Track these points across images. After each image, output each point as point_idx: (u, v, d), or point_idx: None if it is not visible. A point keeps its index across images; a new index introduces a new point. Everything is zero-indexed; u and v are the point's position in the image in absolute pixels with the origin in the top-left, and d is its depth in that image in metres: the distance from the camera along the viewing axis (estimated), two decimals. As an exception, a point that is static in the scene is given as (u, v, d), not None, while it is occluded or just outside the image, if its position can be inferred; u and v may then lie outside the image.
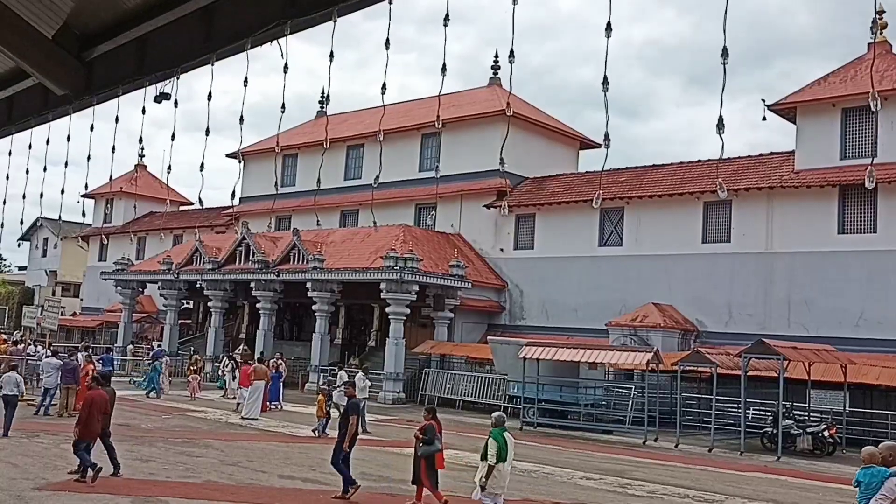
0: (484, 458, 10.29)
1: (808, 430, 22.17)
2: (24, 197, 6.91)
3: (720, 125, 3.71)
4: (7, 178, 7.21)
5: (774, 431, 21.71)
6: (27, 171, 6.60)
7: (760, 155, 31.24)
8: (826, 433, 21.98)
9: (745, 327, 28.37)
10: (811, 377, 23.39)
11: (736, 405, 23.41)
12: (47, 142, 6.39)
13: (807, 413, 23.59)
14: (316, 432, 20.15)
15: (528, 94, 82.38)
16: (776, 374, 21.56)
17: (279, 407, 26.33)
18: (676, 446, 22.23)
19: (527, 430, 24.13)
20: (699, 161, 32.48)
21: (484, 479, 10.21)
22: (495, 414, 11.25)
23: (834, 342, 25.05)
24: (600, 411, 26.33)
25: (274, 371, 26.60)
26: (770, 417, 22.95)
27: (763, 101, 29.53)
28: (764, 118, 29.95)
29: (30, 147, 6.45)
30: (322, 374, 32.80)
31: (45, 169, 6.72)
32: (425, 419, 12.30)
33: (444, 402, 30.50)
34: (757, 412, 24.49)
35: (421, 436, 12.09)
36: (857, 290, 26.78)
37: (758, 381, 23.69)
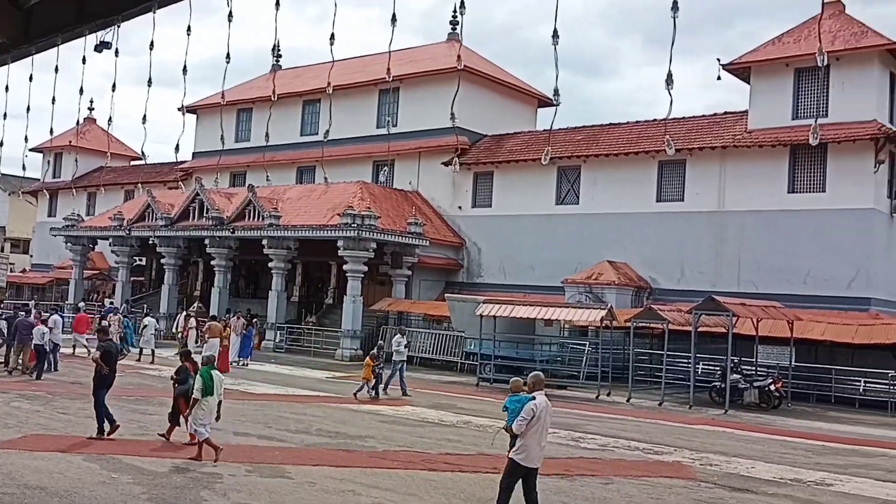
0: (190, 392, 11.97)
1: (755, 384, 22.76)
2: (-40, 150, 6.67)
3: (669, 80, 3.71)
4: (-57, 130, 6.95)
5: (722, 386, 22.25)
6: (-36, 123, 6.36)
7: (714, 114, 31.49)
8: (772, 387, 22.60)
9: (697, 284, 28.88)
10: (759, 333, 23.92)
11: (686, 360, 23.91)
12: (-16, 92, 6.16)
13: (754, 368, 24.20)
14: (358, 395, 19.98)
15: (491, 52, 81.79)
16: (725, 331, 22.04)
17: (247, 364, 26.63)
18: (628, 400, 22.68)
19: (483, 386, 24.40)
20: (655, 120, 32.61)
21: (190, 411, 11.88)
22: (204, 355, 12.91)
23: (782, 299, 25.65)
24: (555, 367, 26.67)
25: (245, 329, 27.39)
26: (719, 372, 23.50)
27: (718, 60, 29.72)
28: (719, 77, 30.10)
29: (-34, 98, 6.22)
30: (279, 332, 32.73)
31: (-18, 121, 6.48)
32: (181, 361, 13.50)
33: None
34: (706, 367, 25.07)
35: (176, 377, 13.24)
36: (805, 248, 27.38)
37: (708, 336, 24.20)
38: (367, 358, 20.42)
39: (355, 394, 20.06)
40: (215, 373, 12.03)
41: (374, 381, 20.15)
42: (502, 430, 9.41)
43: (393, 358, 21.78)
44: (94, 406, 13.10)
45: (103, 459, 11.34)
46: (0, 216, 59.19)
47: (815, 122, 7.29)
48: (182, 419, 12.78)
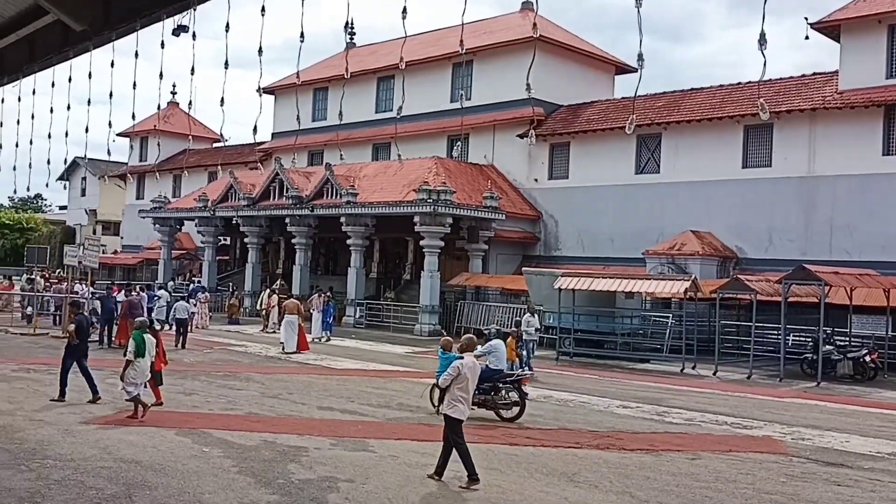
0: (125, 355, 12.86)
1: (849, 355, 21.93)
2: (49, 136, 6.88)
3: (762, 40, 3.46)
4: (32, 117, 7.18)
5: (815, 357, 21.52)
6: (51, 111, 6.55)
7: (803, 76, 30.19)
8: (867, 358, 21.72)
9: (786, 253, 27.92)
10: (853, 302, 23.00)
11: (775, 332, 23.20)
12: (69, 80, 6.31)
13: (848, 338, 23.30)
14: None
15: (566, 20, 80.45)
16: (817, 300, 21.27)
17: (328, 338, 27.28)
18: (715, 374, 22.16)
19: (563, 360, 24.21)
20: (739, 83, 31.50)
21: (123, 372, 12.70)
22: (138, 320, 14.29)
23: (877, 266, 24.54)
24: (637, 340, 26.26)
25: (324, 305, 28.07)
26: (810, 343, 22.72)
27: (805, 19, 28.47)
28: (807, 37, 28.82)
29: (52, 86, 6.38)
30: (358, 308, 33.13)
31: (68, 107, 6.66)
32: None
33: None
34: (797, 338, 24.25)
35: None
36: (902, 213, 26.09)
37: (798, 307, 23.41)
38: (509, 338, 19.31)
39: None
40: (147, 336, 13.01)
41: (517, 361, 19.19)
42: (433, 387, 10.54)
43: (524, 338, 20.82)
44: (59, 373, 14.11)
45: (195, 434, 11.69)
46: (92, 200, 61.56)
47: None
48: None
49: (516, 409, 13.75)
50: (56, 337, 23.33)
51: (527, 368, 19.76)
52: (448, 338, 12.02)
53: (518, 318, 22.93)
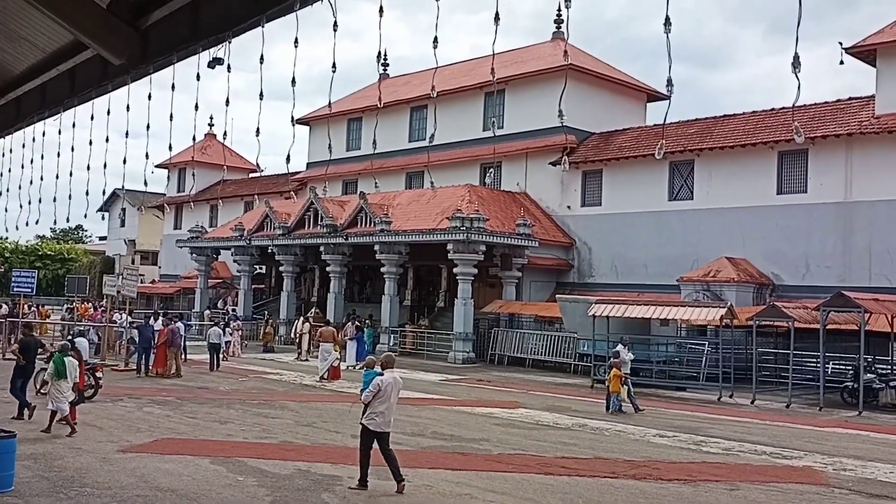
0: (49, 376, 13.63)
1: (892, 383, 21.43)
2: (88, 168, 7.04)
3: (795, 63, 3.45)
4: (72, 150, 7.35)
5: (855, 386, 21.06)
6: (90, 143, 6.71)
7: (838, 100, 29.85)
8: (911, 387, 21.20)
9: (824, 280, 27.45)
10: (894, 330, 22.53)
11: (814, 360, 22.76)
12: (108, 112, 6.47)
13: (890, 366, 22.77)
14: (610, 411, 18.79)
15: (601, 49, 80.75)
16: (857, 328, 20.85)
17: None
18: (753, 402, 21.77)
19: (598, 388, 23.93)
20: (773, 109, 31.25)
21: (48, 394, 13.62)
22: (58, 343, 15.50)
23: (919, 293, 24.04)
24: (673, 368, 25.93)
25: (356, 333, 28.36)
26: (851, 372, 22.24)
27: (840, 44, 28.14)
28: (841, 62, 28.49)
29: (91, 118, 6.55)
30: (392, 335, 33.15)
31: (107, 140, 6.82)
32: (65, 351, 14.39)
33: (514, 361, 30.58)
34: (837, 367, 23.78)
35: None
36: (944, 238, 25.56)
37: (837, 334, 22.96)
38: (614, 369, 19.12)
39: (610, 410, 18.89)
40: (68, 359, 13.57)
41: (621, 393, 18.91)
42: (358, 402, 10.93)
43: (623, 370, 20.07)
44: (10, 391, 14.79)
45: (229, 462, 11.75)
46: (131, 230, 62.63)
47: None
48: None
49: (92, 391, 17.08)
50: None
51: (616, 404, 18.98)
52: (372, 357, 13.39)
53: (614, 351, 21.41)
